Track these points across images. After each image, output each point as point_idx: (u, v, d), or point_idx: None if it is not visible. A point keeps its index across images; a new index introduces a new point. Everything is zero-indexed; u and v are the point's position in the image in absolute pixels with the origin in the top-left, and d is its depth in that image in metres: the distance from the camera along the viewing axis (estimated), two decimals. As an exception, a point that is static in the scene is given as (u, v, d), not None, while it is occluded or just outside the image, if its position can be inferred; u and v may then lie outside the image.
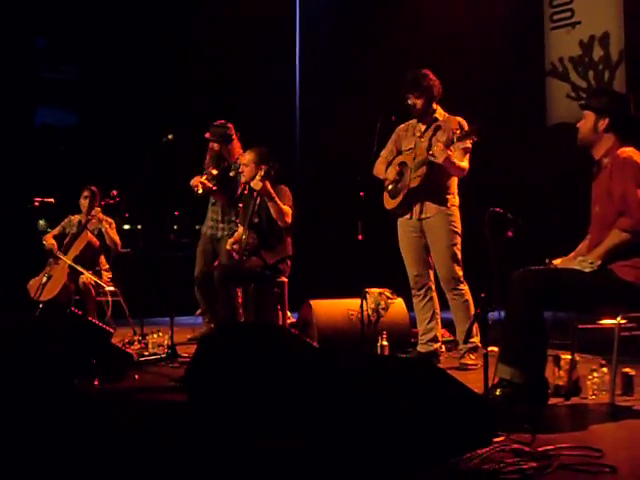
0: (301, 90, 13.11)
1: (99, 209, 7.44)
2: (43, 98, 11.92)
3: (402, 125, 6.12)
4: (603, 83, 10.03)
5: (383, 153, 6.14)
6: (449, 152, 5.50)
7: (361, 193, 5.60)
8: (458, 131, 5.47)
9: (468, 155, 5.74)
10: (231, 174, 7.09)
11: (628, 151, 4.24)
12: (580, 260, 4.15)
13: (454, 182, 5.89)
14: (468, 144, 5.64)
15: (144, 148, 6.88)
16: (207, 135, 7.40)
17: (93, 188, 7.76)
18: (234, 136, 7.39)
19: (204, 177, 7.24)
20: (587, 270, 4.08)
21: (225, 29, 11.40)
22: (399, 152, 6.04)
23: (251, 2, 11.35)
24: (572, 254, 4.42)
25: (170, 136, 6.85)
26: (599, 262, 4.09)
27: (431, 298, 5.98)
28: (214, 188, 7.18)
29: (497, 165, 9.63)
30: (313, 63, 12.75)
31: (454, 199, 5.87)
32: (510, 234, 4.36)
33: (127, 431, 3.78)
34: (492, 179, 9.29)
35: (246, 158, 6.64)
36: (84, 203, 7.72)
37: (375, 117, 5.74)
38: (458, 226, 5.83)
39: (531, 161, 9.90)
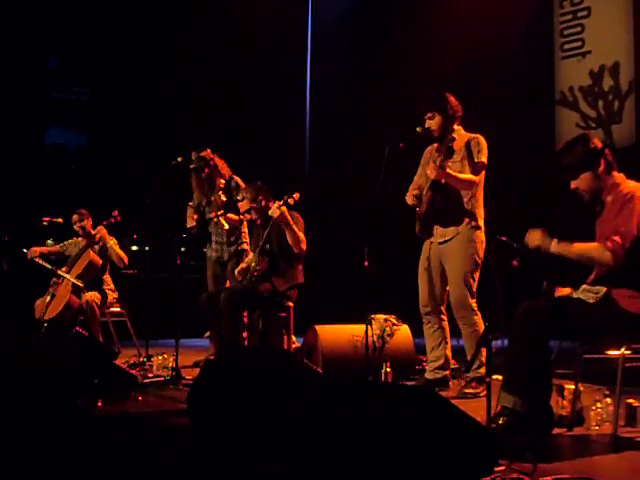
0: (311, 117, 13.18)
1: (103, 228, 7.47)
2: (54, 118, 12.01)
3: (429, 147, 5.99)
4: (612, 113, 10.05)
5: (415, 177, 6.03)
6: (445, 165, 5.43)
7: (368, 218, 5.58)
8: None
9: (483, 171, 5.62)
10: (239, 197, 7.02)
11: (632, 186, 4.23)
12: (584, 290, 4.15)
13: (476, 200, 5.69)
14: (483, 159, 5.58)
15: (153, 170, 6.92)
16: (192, 167, 7.25)
17: (82, 211, 7.82)
18: (216, 158, 7.29)
19: (218, 210, 7.09)
20: (591, 301, 4.08)
21: (237, 53, 11.53)
22: None
23: (264, 22, 11.49)
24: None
25: (179, 159, 6.90)
26: (562, 252, 4.19)
27: (440, 326, 5.87)
28: (236, 218, 7.11)
29: (505, 193, 9.62)
30: (323, 90, 12.83)
31: (475, 220, 5.68)
32: (515, 263, 4.34)
33: (129, 452, 3.77)
34: (499, 207, 9.28)
35: (249, 195, 6.66)
36: (76, 228, 7.80)
37: (384, 143, 5.71)
38: (478, 252, 5.65)
39: (539, 190, 9.88)
